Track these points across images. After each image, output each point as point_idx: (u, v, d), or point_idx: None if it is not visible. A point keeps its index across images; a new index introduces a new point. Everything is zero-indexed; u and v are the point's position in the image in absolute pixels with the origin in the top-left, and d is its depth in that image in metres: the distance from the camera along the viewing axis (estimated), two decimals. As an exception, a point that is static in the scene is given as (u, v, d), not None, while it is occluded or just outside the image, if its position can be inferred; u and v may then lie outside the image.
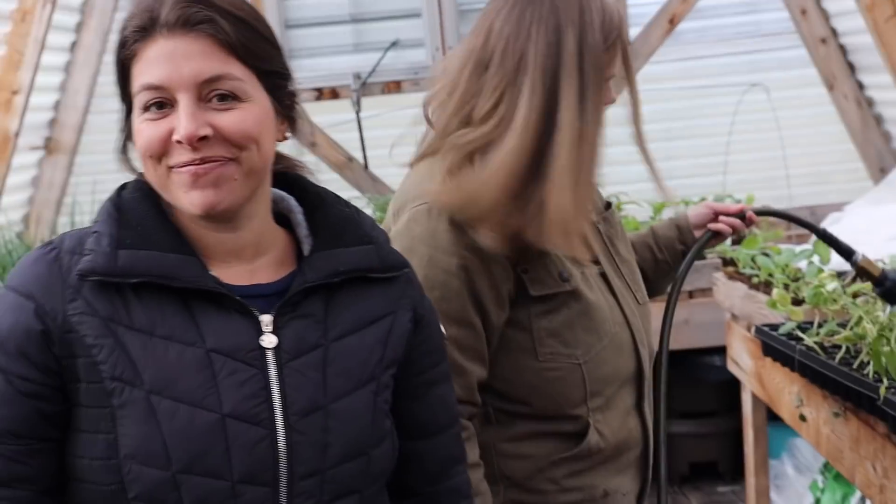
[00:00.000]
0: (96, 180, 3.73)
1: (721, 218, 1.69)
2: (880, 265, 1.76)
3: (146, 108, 0.95)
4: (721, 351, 3.12)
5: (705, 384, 3.57)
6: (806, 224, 1.83)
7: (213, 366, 0.97)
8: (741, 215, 1.68)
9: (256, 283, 1.03)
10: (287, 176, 1.10)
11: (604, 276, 1.47)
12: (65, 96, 3.84)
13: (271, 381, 0.98)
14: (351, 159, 4.03)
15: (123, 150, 1.03)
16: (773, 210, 1.98)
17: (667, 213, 3.31)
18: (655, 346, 1.61)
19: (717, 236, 1.70)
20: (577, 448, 1.41)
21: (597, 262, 1.48)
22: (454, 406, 1.18)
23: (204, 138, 0.93)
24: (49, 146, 3.92)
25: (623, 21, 1.40)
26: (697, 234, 1.70)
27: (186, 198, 0.96)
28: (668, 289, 1.70)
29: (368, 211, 3.49)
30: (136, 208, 1.01)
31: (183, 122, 0.92)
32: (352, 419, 1.03)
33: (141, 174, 1.02)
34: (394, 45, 3.97)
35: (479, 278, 1.30)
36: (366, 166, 4.00)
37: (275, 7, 3.92)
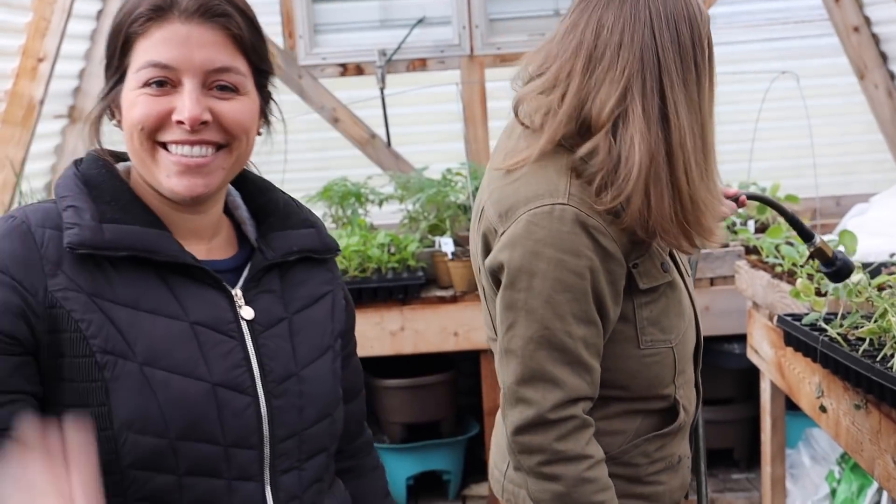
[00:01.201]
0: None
1: None
2: (833, 251, 1.88)
3: (146, 84, 0.98)
4: (741, 339, 3.15)
5: (723, 371, 3.55)
6: (780, 207, 1.93)
7: (198, 338, 1.01)
8: (735, 199, 1.74)
9: (214, 257, 1.09)
10: None
11: (671, 256, 1.50)
12: (90, 65, 3.78)
13: (250, 352, 1.05)
14: (374, 136, 4.03)
15: (98, 119, 1.05)
16: (761, 196, 2.08)
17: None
18: None
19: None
20: (671, 425, 1.49)
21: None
22: (361, 373, 1.29)
23: (203, 123, 0.98)
24: (73, 115, 3.87)
25: (709, 16, 1.42)
26: None
27: (168, 181, 0.99)
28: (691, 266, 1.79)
29: (390, 188, 3.73)
30: (106, 183, 1.03)
31: (188, 104, 0.96)
32: (319, 383, 1.11)
33: (96, 150, 1.06)
34: (420, 21, 3.96)
35: (602, 277, 1.33)
36: (388, 143, 4.00)
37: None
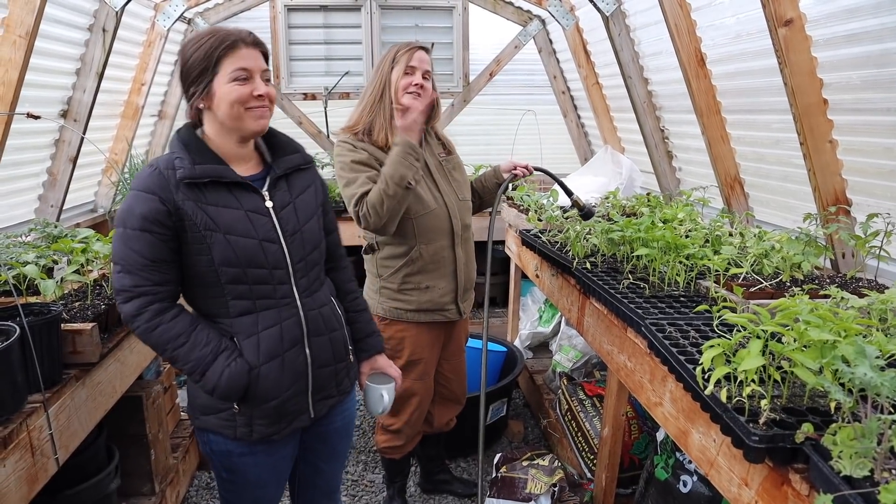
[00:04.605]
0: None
1: (517, 168, 2.12)
2: (583, 202, 2.19)
3: (236, 80, 1.26)
4: (503, 242, 3.82)
5: (494, 258, 4.29)
6: (555, 177, 2.17)
7: (249, 218, 1.29)
8: (526, 168, 2.09)
9: (251, 173, 1.35)
10: None
11: (434, 180, 1.92)
12: (171, 89, 4.64)
13: (275, 222, 1.33)
14: (320, 131, 4.86)
15: (198, 110, 1.29)
16: (541, 168, 2.19)
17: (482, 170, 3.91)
18: (468, 223, 2.02)
19: (515, 178, 2.12)
20: (412, 265, 1.89)
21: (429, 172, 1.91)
22: (335, 220, 1.50)
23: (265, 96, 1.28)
24: (160, 115, 4.67)
25: (392, 55, 1.94)
26: (505, 175, 2.13)
27: (255, 123, 1.29)
28: (494, 203, 2.10)
29: (327, 160, 4.38)
30: (194, 141, 1.30)
31: (261, 87, 1.28)
32: (312, 232, 1.39)
33: (189, 123, 1.30)
34: (346, 73, 4.81)
35: (359, 154, 1.88)
36: (328, 136, 4.83)
37: (284, 52, 4.69)
